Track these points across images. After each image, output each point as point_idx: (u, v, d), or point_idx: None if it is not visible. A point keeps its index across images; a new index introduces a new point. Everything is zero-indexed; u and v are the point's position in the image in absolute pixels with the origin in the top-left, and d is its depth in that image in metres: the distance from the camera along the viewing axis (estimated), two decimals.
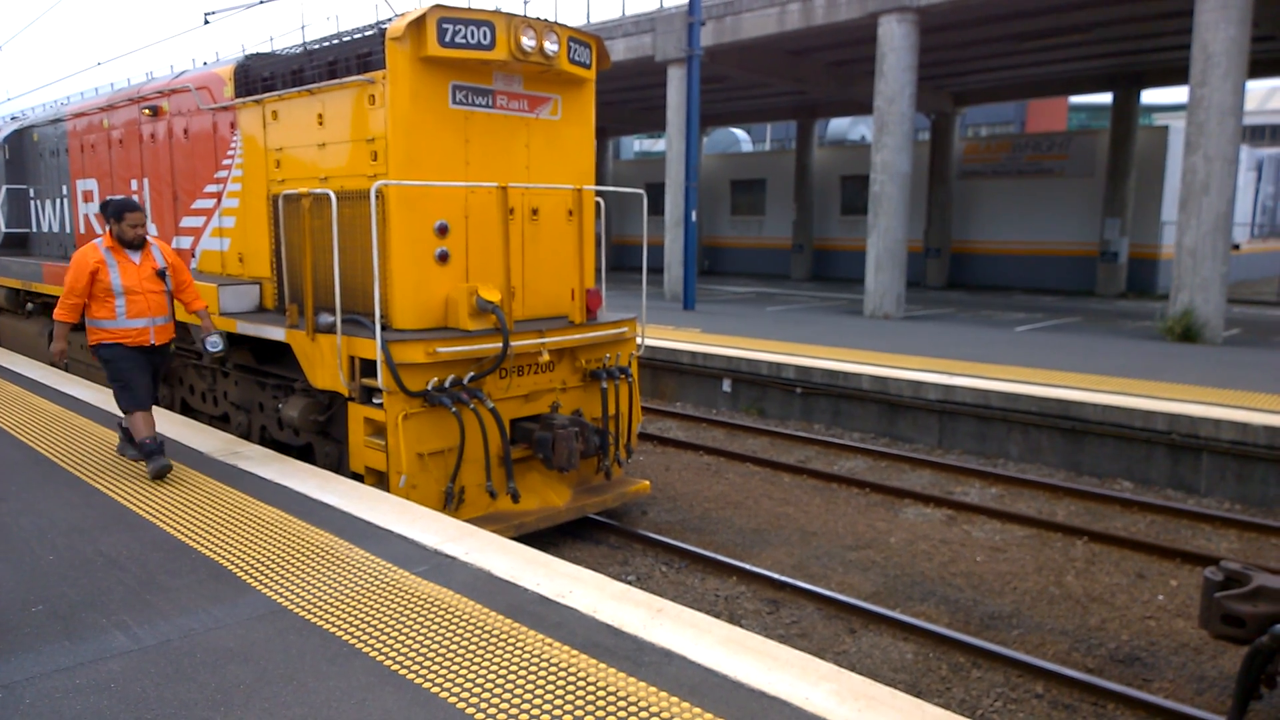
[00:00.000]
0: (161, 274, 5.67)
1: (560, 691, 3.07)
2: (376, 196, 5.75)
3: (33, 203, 11.41)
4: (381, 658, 3.30)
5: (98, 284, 5.49)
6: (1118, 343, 13.47)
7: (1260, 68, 19.33)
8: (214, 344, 5.89)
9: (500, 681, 3.13)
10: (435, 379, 5.88)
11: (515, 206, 6.42)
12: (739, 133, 39.54)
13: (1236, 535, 7.12)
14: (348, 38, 6.52)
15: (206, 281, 7.15)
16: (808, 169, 28.74)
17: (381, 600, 3.81)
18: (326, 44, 6.68)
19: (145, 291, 5.60)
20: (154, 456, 5.54)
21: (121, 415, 5.89)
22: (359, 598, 3.83)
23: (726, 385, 11.69)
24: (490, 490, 6.15)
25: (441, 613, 3.70)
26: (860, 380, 10.26)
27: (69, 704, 2.98)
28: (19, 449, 6.23)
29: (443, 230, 6.14)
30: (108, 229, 5.64)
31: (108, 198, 5.81)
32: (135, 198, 7.99)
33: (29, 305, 11.30)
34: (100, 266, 5.50)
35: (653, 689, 3.09)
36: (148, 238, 5.75)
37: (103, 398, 7.95)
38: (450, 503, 5.99)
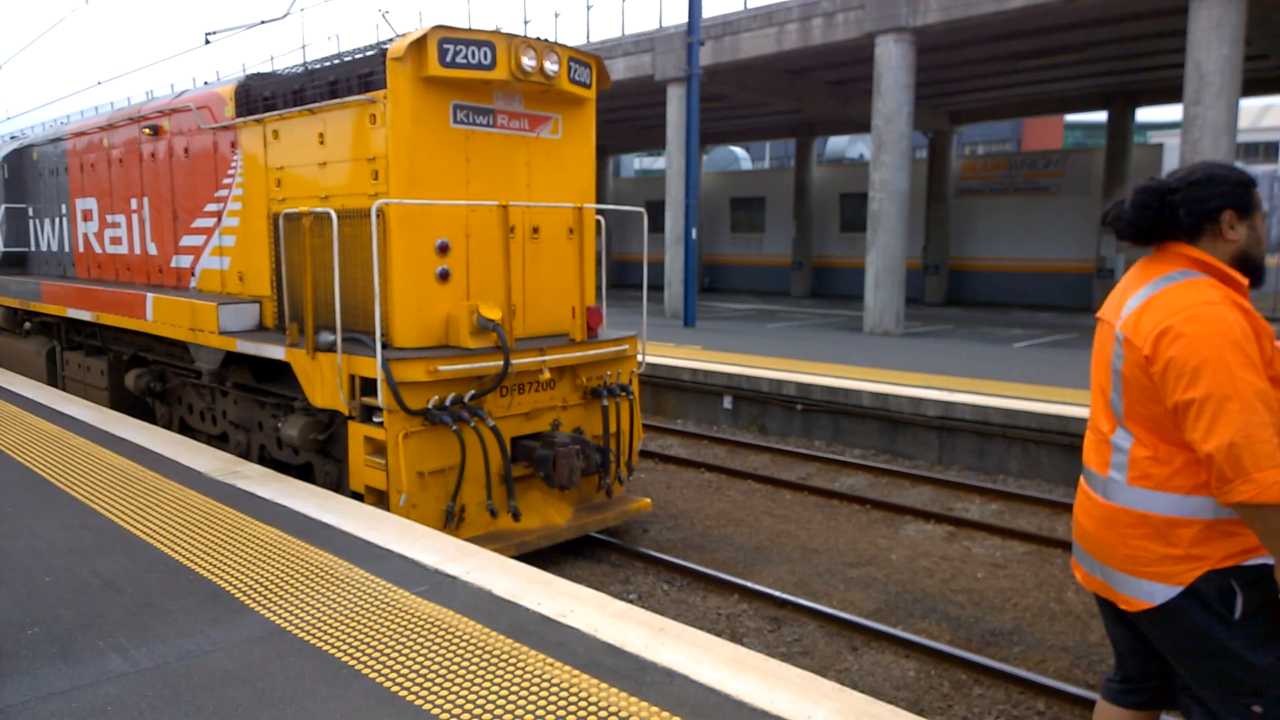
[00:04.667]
0: None
1: (562, 712, 3.04)
2: (377, 215, 5.76)
3: (31, 222, 11.43)
4: (381, 679, 3.27)
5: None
6: None
7: (1254, 86, 19.47)
8: None
9: (501, 702, 3.11)
10: (436, 397, 5.88)
11: (516, 225, 6.44)
12: (738, 151, 39.72)
13: None
14: (349, 58, 6.56)
15: (206, 300, 7.16)
16: (807, 187, 28.89)
17: (382, 621, 3.79)
18: (327, 64, 6.72)
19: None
20: None
21: None
22: (359, 618, 3.81)
23: (727, 402, 11.68)
24: (491, 509, 6.13)
25: (442, 633, 3.67)
26: (860, 397, 10.26)
27: None
28: (15, 470, 6.20)
29: (443, 249, 6.15)
30: (1205, 248, 2.43)
31: (1192, 169, 2.47)
32: None
33: (26, 325, 11.31)
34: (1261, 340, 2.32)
35: (655, 709, 3.06)
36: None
37: (100, 417, 7.90)
38: (451, 522, 5.97)
